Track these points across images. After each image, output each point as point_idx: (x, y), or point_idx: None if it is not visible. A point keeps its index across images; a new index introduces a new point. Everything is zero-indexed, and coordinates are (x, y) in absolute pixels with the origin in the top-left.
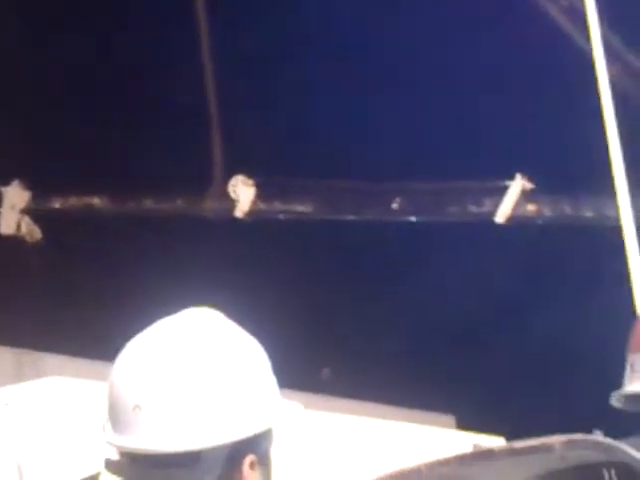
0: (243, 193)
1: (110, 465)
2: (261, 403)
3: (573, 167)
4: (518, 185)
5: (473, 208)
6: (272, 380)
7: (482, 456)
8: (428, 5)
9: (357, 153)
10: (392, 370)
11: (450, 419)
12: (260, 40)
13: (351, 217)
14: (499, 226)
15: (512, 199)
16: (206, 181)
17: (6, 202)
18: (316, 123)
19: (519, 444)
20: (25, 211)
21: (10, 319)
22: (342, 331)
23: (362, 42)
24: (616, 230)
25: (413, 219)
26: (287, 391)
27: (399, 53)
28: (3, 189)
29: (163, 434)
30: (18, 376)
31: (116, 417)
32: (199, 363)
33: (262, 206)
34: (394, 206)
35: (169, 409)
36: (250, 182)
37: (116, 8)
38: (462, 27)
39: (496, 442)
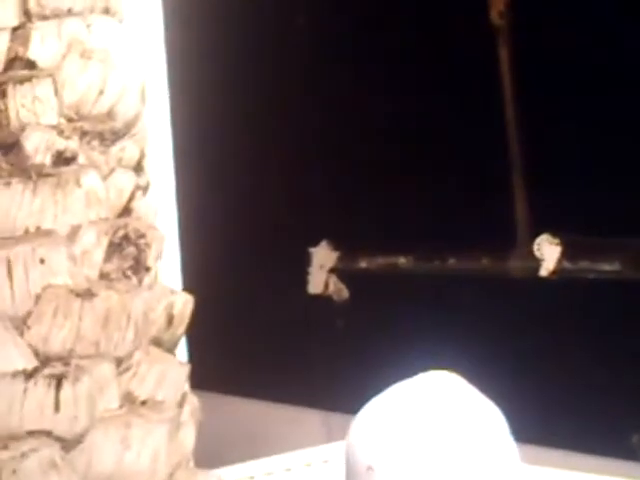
0: (548, 252)
1: None
2: (497, 472)
3: None
4: None
5: None
6: (512, 448)
7: None
8: None
9: None
10: None
11: None
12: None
13: None
14: None
15: None
16: (511, 240)
17: (315, 262)
18: (628, 179)
19: None
20: (333, 271)
21: (318, 381)
22: None
23: None
24: None
25: None
26: (591, 457)
27: None
28: (312, 250)
29: None
30: (327, 439)
31: (350, 477)
32: (434, 429)
33: (568, 265)
34: None
35: (401, 473)
36: (556, 241)
37: None
38: None
39: None
